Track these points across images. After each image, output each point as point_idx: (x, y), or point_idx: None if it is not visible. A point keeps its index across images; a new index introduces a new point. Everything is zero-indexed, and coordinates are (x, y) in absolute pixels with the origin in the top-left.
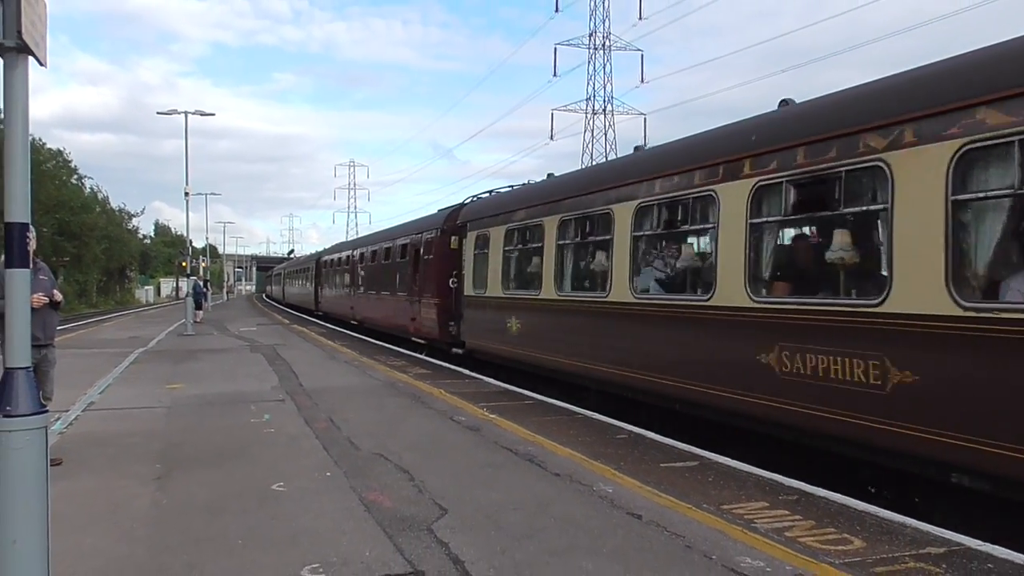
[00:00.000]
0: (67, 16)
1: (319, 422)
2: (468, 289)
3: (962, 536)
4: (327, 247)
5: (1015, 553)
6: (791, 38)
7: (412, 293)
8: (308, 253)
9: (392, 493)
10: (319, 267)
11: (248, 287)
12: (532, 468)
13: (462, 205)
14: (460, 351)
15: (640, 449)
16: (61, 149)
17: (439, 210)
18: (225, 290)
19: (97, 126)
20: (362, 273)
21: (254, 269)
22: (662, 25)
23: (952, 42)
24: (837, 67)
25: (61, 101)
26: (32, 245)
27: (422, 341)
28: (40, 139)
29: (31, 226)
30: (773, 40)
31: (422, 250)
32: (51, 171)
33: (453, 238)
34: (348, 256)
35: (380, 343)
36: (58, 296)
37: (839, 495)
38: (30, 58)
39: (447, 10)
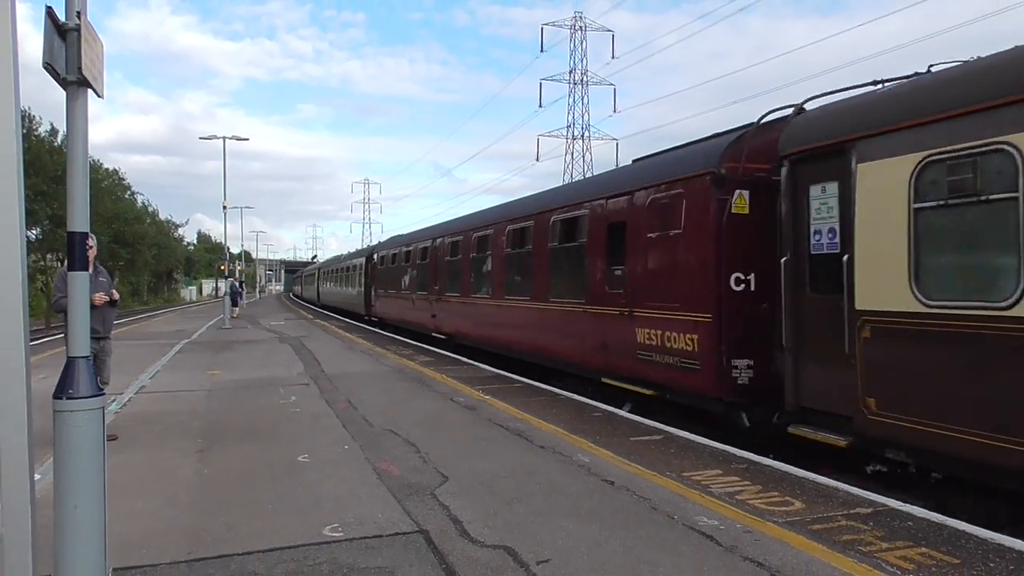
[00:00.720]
0: (121, 55)
1: (339, 403)
2: (893, 297)
3: (887, 498)
4: (381, 241)
5: (931, 512)
6: (741, 75)
7: (601, 300)
8: (349, 251)
9: (401, 463)
10: (372, 264)
11: (277, 287)
12: (520, 442)
13: (769, 120)
14: (838, 441)
15: (613, 425)
16: (116, 169)
17: (689, 143)
18: (258, 290)
19: (147, 149)
20: (456, 269)
21: (283, 272)
22: (631, 63)
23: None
24: (781, 100)
25: (116, 128)
26: (93, 252)
27: (640, 390)
28: (98, 160)
29: (91, 235)
30: (725, 77)
31: (633, 223)
32: (108, 188)
33: (740, 194)
34: (426, 248)
35: (392, 336)
36: (115, 295)
37: (782, 463)
38: (89, 91)
39: (447, 50)
